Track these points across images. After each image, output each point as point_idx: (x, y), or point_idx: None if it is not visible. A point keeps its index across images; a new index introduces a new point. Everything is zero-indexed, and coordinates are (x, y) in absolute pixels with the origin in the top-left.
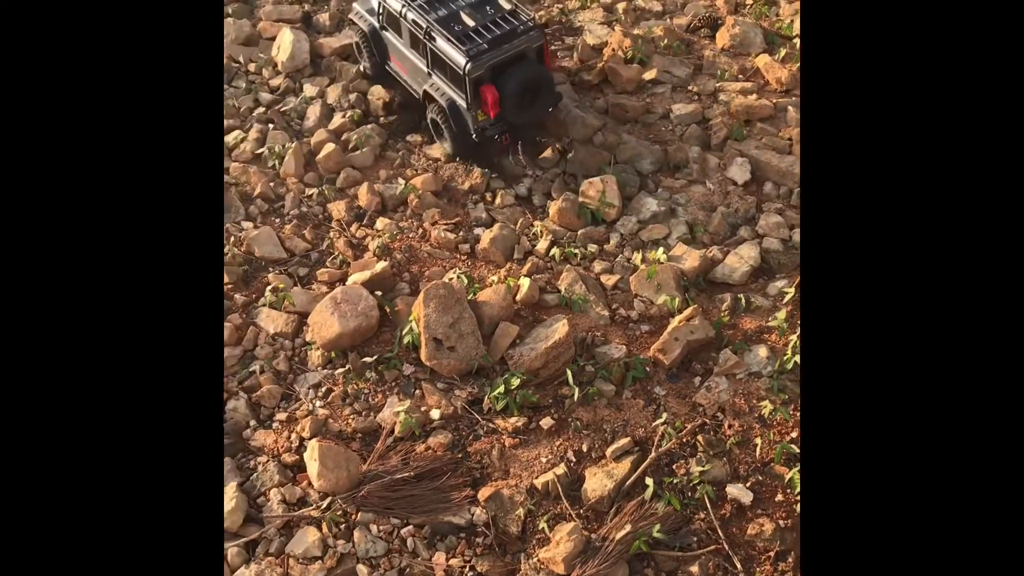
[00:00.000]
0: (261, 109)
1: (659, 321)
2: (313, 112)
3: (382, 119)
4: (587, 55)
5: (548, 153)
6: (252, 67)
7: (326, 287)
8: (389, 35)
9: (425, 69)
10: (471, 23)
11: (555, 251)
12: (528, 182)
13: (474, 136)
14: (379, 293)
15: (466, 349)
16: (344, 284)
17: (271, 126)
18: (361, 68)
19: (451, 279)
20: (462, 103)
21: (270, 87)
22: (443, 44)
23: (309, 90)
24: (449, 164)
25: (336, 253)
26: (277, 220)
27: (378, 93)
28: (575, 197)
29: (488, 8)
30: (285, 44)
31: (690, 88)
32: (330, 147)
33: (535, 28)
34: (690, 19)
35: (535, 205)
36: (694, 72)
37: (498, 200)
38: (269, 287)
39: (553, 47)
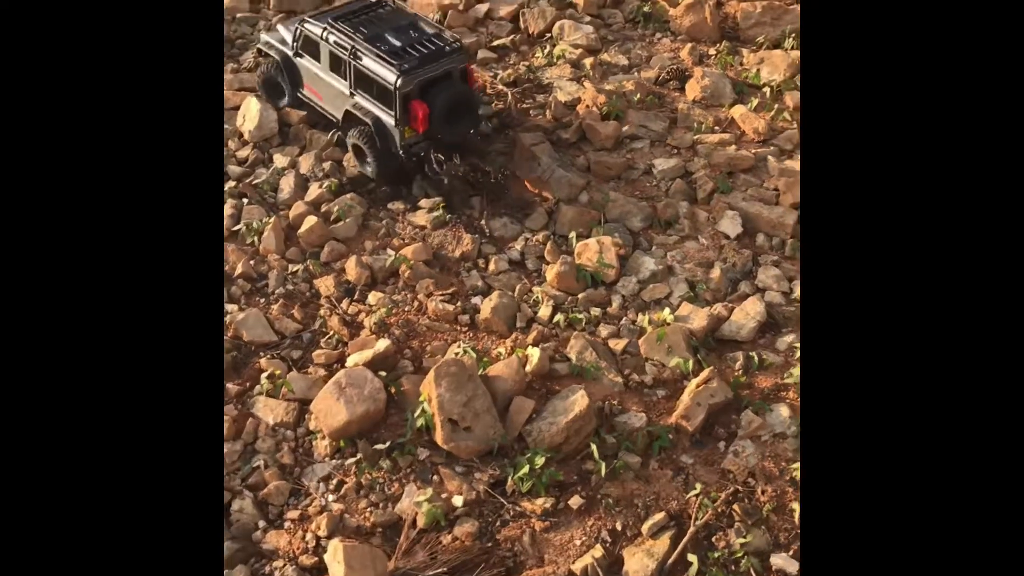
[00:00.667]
0: (231, 183)
1: (674, 385)
2: (287, 183)
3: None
4: (560, 112)
5: (538, 217)
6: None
7: (324, 370)
8: (304, 62)
9: (347, 91)
10: (397, 43)
11: (559, 317)
12: (520, 246)
13: (400, 153)
14: (383, 374)
15: (483, 428)
16: (343, 366)
17: (245, 200)
18: (281, 103)
19: (458, 354)
20: (389, 120)
21: (237, 159)
22: (370, 62)
23: (280, 160)
24: (437, 232)
25: (330, 332)
26: (262, 300)
27: (353, 161)
28: (572, 260)
29: (411, 32)
30: (252, 114)
31: (668, 142)
32: (312, 220)
33: (460, 49)
34: (658, 72)
35: (529, 269)
36: (670, 125)
37: (492, 266)
38: (264, 374)
39: (524, 105)
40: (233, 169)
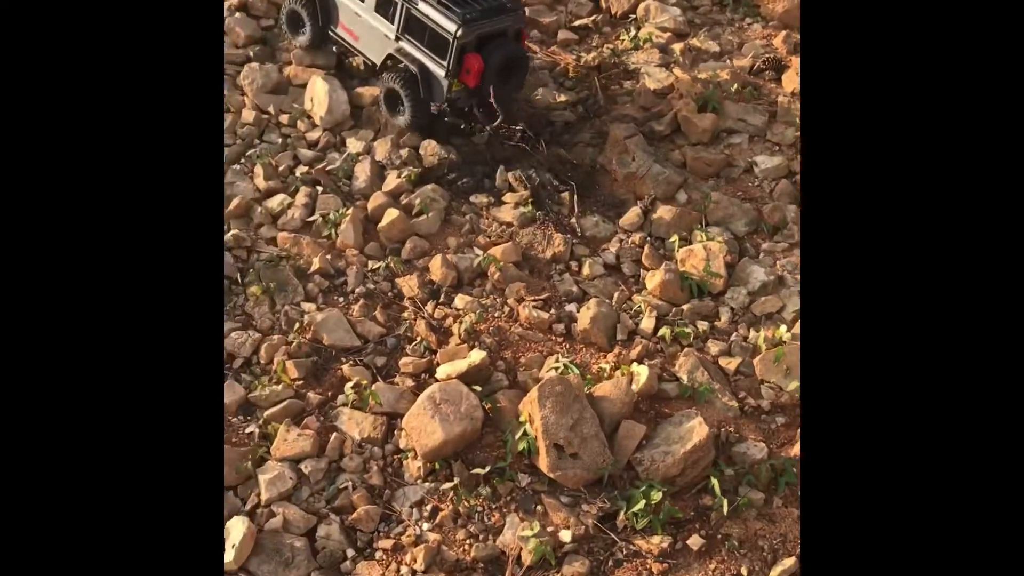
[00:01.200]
0: (303, 168)
1: (793, 411)
2: (362, 171)
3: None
4: (650, 101)
5: (632, 216)
6: (284, 119)
7: (411, 380)
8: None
9: (392, 35)
10: None
11: (664, 330)
12: (615, 248)
13: (444, 105)
14: (478, 388)
15: (591, 455)
16: (432, 376)
17: (319, 188)
18: (299, 40)
19: (559, 369)
20: (438, 70)
21: (307, 141)
22: (428, 8)
23: (353, 145)
24: (525, 230)
25: (417, 337)
26: (341, 299)
27: (431, 148)
28: (676, 267)
29: None
30: (320, 96)
31: (768, 138)
32: (393, 213)
33: (520, 8)
34: (752, 61)
35: (626, 274)
36: (769, 120)
37: (586, 270)
38: (349, 384)
39: (611, 90)
40: (304, 153)
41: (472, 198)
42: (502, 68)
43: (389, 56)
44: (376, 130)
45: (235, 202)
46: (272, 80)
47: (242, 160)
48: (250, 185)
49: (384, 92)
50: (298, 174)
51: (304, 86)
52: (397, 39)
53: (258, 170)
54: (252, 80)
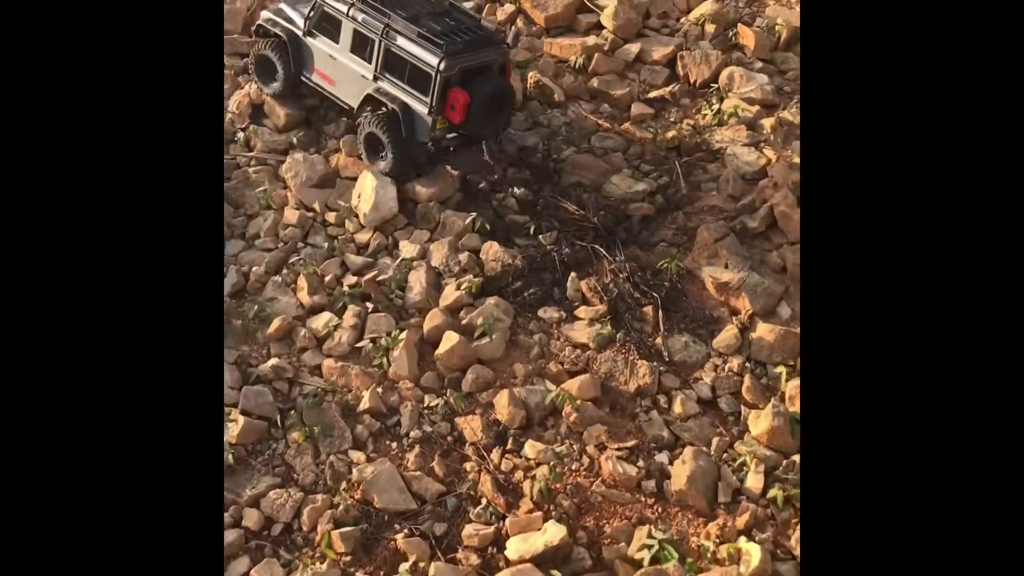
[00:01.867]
0: (351, 278)
1: None
2: (417, 280)
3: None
4: (739, 189)
5: (728, 336)
6: (331, 217)
7: (476, 555)
8: (316, 41)
9: (369, 75)
10: (437, 27)
11: (775, 491)
12: (710, 377)
13: (429, 144)
14: (556, 574)
15: None
16: (499, 549)
17: (368, 305)
18: (271, 87)
19: (651, 547)
20: (420, 108)
21: (356, 244)
22: (407, 43)
23: (407, 249)
24: (603, 354)
25: (482, 499)
26: (394, 445)
27: (493, 252)
28: (784, 406)
29: (448, 19)
30: (367, 191)
31: None
32: (453, 338)
33: (504, 42)
34: None
35: (725, 412)
36: None
37: (677, 407)
38: (405, 565)
39: (693, 176)
40: (352, 260)
41: (541, 312)
42: (489, 103)
43: (368, 98)
44: (431, 229)
45: (276, 323)
46: (318, 172)
47: (284, 270)
48: (292, 300)
49: (364, 137)
50: (346, 286)
51: (354, 179)
52: (376, 78)
53: (302, 282)
54: (296, 173)
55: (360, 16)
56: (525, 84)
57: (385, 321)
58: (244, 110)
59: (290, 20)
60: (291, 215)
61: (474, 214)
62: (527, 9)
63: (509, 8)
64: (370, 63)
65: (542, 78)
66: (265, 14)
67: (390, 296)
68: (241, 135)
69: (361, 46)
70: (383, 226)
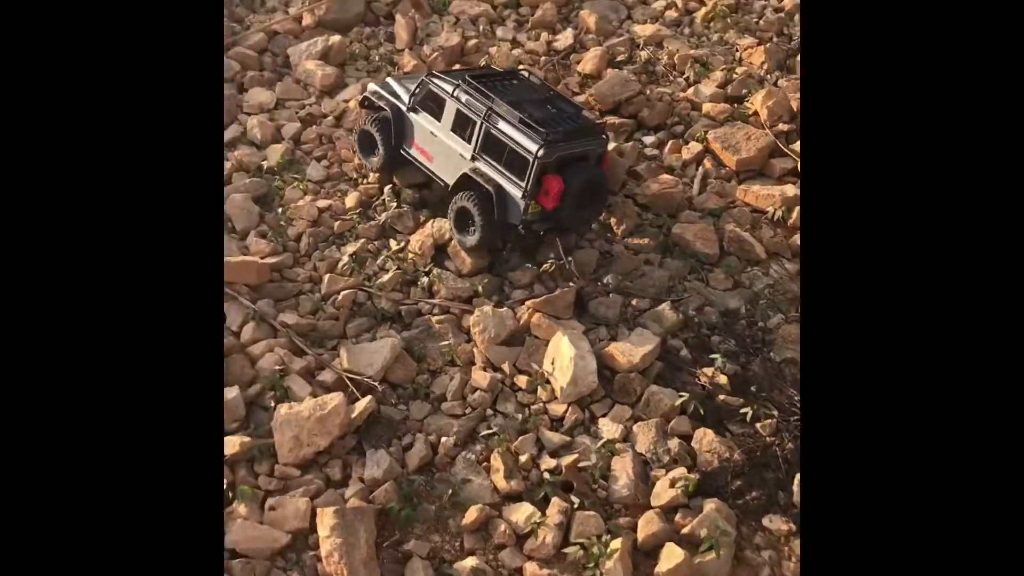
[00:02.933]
0: (548, 461)
1: None
2: (622, 468)
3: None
4: None
5: None
6: (522, 381)
7: None
8: (419, 118)
9: (467, 154)
10: (538, 115)
11: None
12: None
13: (520, 227)
14: None
15: None
16: None
17: (574, 498)
18: (371, 161)
19: None
20: (515, 191)
21: (551, 417)
22: (508, 128)
23: (608, 429)
24: None
25: None
26: None
27: (707, 442)
28: None
29: (550, 107)
30: (563, 360)
31: None
32: (676, 554)
33: (604, 133)
34: None
35: None
36: None
37: None
38: None
39: None
40: (548, 437)
41: (765, 520)
42: (582, 191)
43: (464, 176)
44: (631, 403)
45: (472, 514)
46: (507, 328)
47: (477, 444)
48: (486, 483)
49: (455, 210)
50: (544, 471)
51: (546, 342)
52: (473, 158)
53: (496, 461)
54: (484, 328)
55: (464, 97)
56: (721, 236)
57: (594, 522)
58: (427, 251)
59: (396, 95)
60: (480, 377)
61: (684, 396)
62: (716, 150)
63: (696, 147)
64: (469, 143)
65: (739, 231)
66: (372, 87)
67: (593, 487)
68: (424, 279)
69: (462, 126)
70: (577, 400)
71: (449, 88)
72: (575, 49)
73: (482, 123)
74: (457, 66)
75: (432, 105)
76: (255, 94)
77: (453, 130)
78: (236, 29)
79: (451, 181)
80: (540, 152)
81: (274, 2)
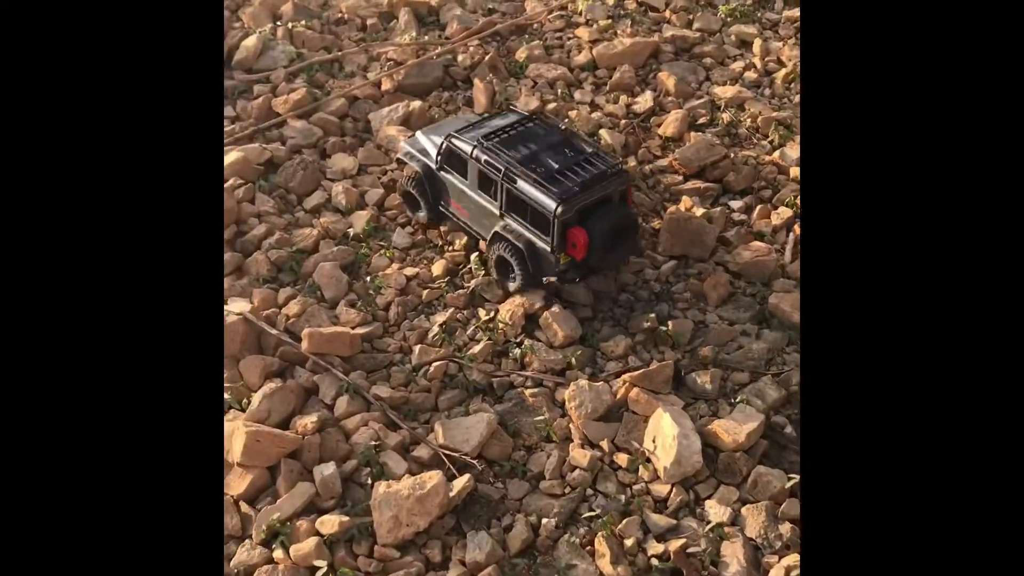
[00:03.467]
0: (655, 545)
1: None
2: (733, 555)
3: None
4: None
5: None
6: (621, 459)
7: None
8: (450, 177)
9: (496, 211)
10: (554, 164)
11: None
12: None
13: (556, 280)
14: None
15: None
16: None
17: None
18: (419, 216)
19: None
20: (544, 246)
21: (654, 498)
22: (526, 186)
23: (715, 512)
24: None
25: None
26: None
27: None
28: None
29: (567, 151)
30: (666, 438)
31: None
32: None
33: (621, 172)
34: None
35: None
36: None
37: None
38: None
39: None
40: (653, 520)
41: None
42: (608, 237)
43: (495, 235)
44: (737, 484)
45: None
46: (603, 403)
47: (580, 526)
48: (592, 568)
49: (495, 259)
50: (651, 555)
51: (644, 416)
52: (501, 216)
53: (601, 546)
54: (580, 403)
55: (483, 157)
56: None
57: None
58: (517, 321)
59: (425, 153)
60: (580, 456)
61: (794, 478)
62: None
63: (785, 212)
64: (496, 200)
65: None
66: (403, 146)
67: (703, 573)
68: (516, 351)
69: (486, 185)
70: (681, 481)
71: (468, 148)
72: (654, 111)
73: (502, 183)
74: (481, 109)
75: (458, 164)
76: (337, 160)
77: (480, 188)
78: (317, 95)
79: (487, 236)
80: (559, 210)
81: (352, 68)
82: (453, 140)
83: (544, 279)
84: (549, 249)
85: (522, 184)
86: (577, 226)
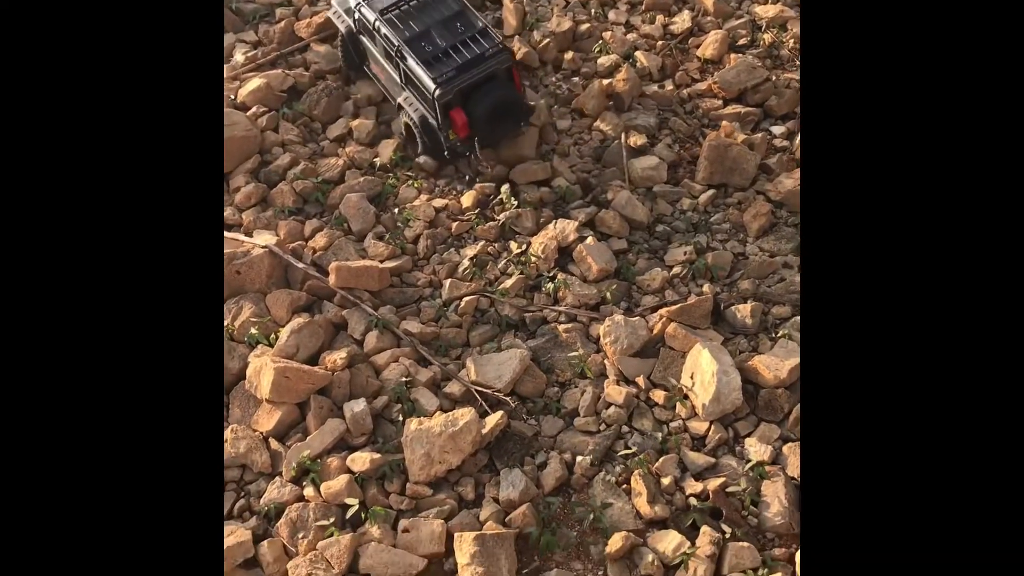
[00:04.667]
0: (693, 484)
1: None
2: (774, 494)
3: None
4: None
5: None
6: (658, 396)
7: None
8: (365, 40)
9: (399, 81)
10: (441, 43)
11: None
12: None
13: (446, 154)
14: None
15: None
16: None
17: (724, 527)
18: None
19: None
20: (433, 122)
21: (691, 435)
22: (414, 66)
23: (755, 450)
24: None
25: None
26: None
27: None
28: None
29: (459, 25)
30: (704, 375)
31: None
32: None
33: (503, 50)
34: None
35: None
36: None
37: None
38: None
39: None
40: (691, 458)
41: None
42: (490, 116)
43: (399, 106)
44: (778, 422)
45: (617, 541)
46: (640, 339)
47: (615, 464)
48: (628, 507)
49: (404, 127)
50: (688, 493)
51: (682, 352)
52: (403, 87)
53: (637, 484)
54: (616, 339)
55: (382, 30)
56: None
57: (749, 554)
58: (550, 255)
59: (349, 13)
60: (615, 392)
61: None
62: None
63: None
64: (397, 71)
65: None
66: (332, 3)
67: (744, 515)
68: (549, 285)
69: (388, 56)
70: (720, 418)
71: (372, 19)
72: (693, 32)
73: (395, 57)
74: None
75: (367, 31)
76: (362, 87)
77: (384, 58)
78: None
79: (395, 102)
80: (437, 93)
81: None
82: (361, 8)
83: (445, 152)
84: (437, 126)
85: (411, 63)
86: (458, 107)
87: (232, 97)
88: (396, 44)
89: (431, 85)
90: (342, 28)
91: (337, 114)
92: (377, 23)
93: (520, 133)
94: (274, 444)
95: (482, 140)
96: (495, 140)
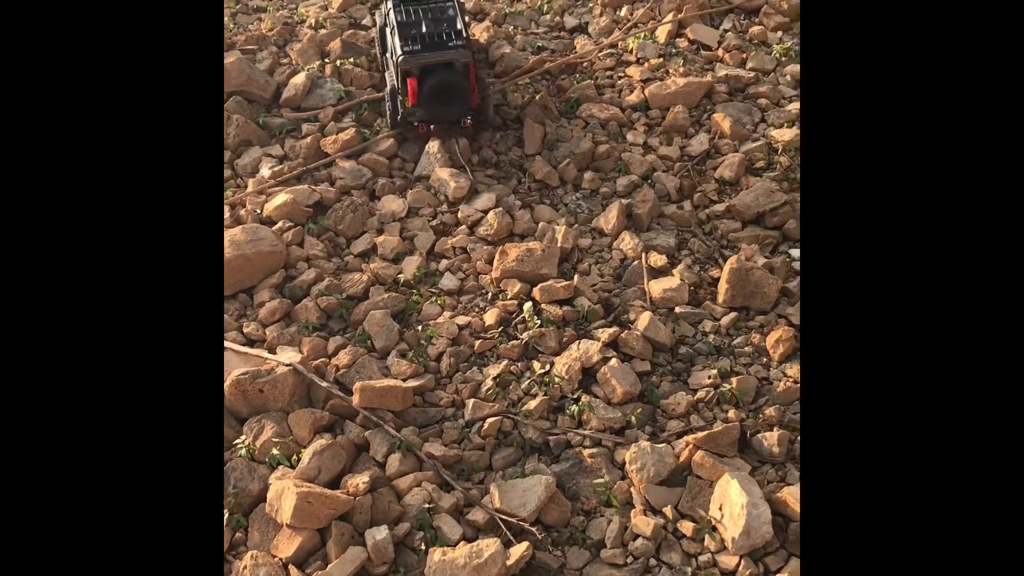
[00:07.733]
0: None
1: None
2: None
3: None
4: None
5: None
6: (686, 528)
7: None
8: (387, 33)
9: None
10: (424, 30)
11: None
12: None
13: (399, 118)
14: None
15: None
16: None
17: None
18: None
19: None
20: (400, 93)
21: (720, 569)
22: (395, 40)
23: None
24: None
25: None
26: None
27: None
28: None
29: (444, 23)
30: (734, 507)
31: None
32: None
33: (464, 47)
34: None
35: None
36: None
37: None
38: None
39: None
40: None
41: None
42: (435, 93)
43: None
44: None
45: None
46: (666, 467)
47: None
48: None
49: (387, 93)
50: None
51: (710, 481)
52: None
53: None
54: (642, 466)
55: (391, 16)
56: None
57: None
58: (574, 376)
59: (381, 15)
60: (642, 523)
61: None
62: None
63: None
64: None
65: None
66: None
67: None
68: (573, 407)
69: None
70: (749, 553)
71: (390, 6)
72: (710, 154)
73: (381, 29)
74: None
75: (384, 23)
76: (387, 202)
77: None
78: (366, 134)
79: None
80: (400, 59)
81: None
82: (388, 4)
83: (398, 117)
84: (398, 91)
85: (395, 39)
86: (414, 78)
87: (259, 211)
88: (392, 26)
89: (400, 53)
90: (378, 26)
91: (362, 229)
92: (389, 14)
93: (465, 124)
94: (294, 571)
95: (423, 113)
96: (438, 118)
